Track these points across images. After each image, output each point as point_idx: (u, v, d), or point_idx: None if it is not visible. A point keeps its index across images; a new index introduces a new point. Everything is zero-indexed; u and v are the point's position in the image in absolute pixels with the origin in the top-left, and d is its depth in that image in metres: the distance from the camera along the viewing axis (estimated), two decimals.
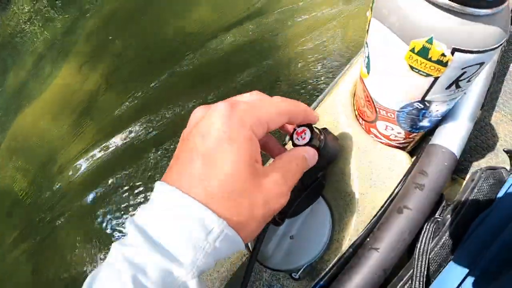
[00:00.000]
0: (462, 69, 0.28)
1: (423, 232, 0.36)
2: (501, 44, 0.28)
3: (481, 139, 0.55)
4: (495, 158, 0.54)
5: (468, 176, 0.45)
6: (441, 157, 0.35)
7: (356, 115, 0.42)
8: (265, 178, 0.27)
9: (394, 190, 0.37)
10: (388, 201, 0.36)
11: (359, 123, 0.42)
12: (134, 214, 0.27)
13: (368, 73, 0.34)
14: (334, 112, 0.42)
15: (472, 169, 0.52)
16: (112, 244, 0.26)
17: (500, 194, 0.39)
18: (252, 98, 0.30)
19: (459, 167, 0.51)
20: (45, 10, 2.18)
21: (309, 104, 0.45)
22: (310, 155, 0.32)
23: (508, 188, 0.39)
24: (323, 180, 0.37)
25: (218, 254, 0.25)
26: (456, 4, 0.25)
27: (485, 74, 0.42)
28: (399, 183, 0.37)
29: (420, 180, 0.34)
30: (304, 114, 0.32)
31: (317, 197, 0.37)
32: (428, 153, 0.36)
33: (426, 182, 0.34)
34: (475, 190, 0.38)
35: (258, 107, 0.28)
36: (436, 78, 0.29)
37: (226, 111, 0.27)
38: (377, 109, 0.36)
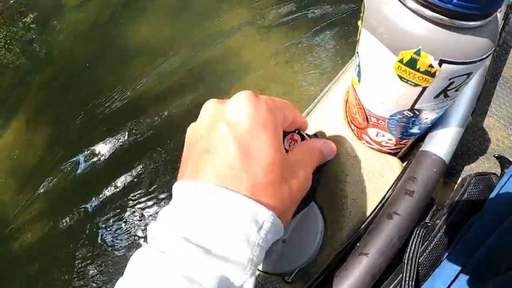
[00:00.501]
0: (450, 79, 0.29)
1: (412, 236, 0.36)
2: (488, 55, 0.28)
3: (473, 143, 0.56)
4: (487, 163, 0.54)
5: (458, 181, 0.46)
6: (431, 164, 0.36)
7: (348, 121, 0.43)
8: (295, 163, 0.28)
9: (385, 195, 0.38)
10: (379, 206, 0.37)
11: (351, 129, 0.42)
12: (155, 219, 0.25)
13: (359, 81, 0.34)
14: (326, 118, 0.43)
15: (464, 174, 0.53)
16: (138, 253, 0.23)
17: (490, 198, 0.40)
18: None
19: (451, 171, 0.52)
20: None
21: (302, 110, 0.46)
22: (328, 149, 0.33)
23: (497, 192, 0.40)
24: (315, 185, 0.38)
25: (267, 246, 0.25)
26: (444, 17, 0.25)
27: (476, 80, 0.42)
28: (390, 188, 0.38)
29: (409, 186, 0.35)
30: (295, 111, 0.32)
31: (310, 202, 0.38)
32: (418, 159, 0.37)
33: (415, 188, 0.35)
34: (465, 196, 0.39)
35: (276, 100, 0.28)
36: (424, 88, 0.29)
37: (253, 98, 0.26)
38: (368, 116, 0.36)
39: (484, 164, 0.55)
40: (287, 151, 0.34)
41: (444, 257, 0.37)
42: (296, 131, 0.34)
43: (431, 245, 0.37)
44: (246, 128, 0.25)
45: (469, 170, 0.54)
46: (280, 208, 0.25)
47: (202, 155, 0.25)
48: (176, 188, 0.26)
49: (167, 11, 1.96)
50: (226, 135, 0.25)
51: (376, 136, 0.38)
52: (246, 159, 0.24)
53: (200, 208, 0.23)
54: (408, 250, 0.36)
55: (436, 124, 0.39)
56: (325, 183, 0.40)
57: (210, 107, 0.28)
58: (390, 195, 0.37)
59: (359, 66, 0.33)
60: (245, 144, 0.24)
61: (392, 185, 0.38)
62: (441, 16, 0.25)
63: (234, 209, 0.23)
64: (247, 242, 0.23)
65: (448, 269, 0.36)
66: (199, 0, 1.96)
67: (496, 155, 0.47)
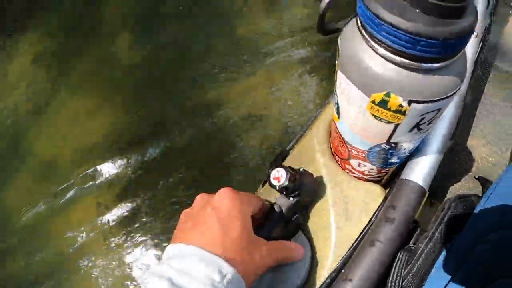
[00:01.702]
0: (421, 115, 0.31)
1: (395, 261, 0.38)
2: (457, 90, 0.30)
3: (458, 163, 0.57)
4: (472, 182, 0.56)
5: (441, 205, 0.48)
6: (410, 192, 0.38)
7: (332, 152, 0.45)
8: (263, 245, 0.36)
9: (368, 223, 0.39)
10: (362, 234, 0.39)
11: (335, 159, 0.44)
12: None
13: (338, 117, 0.36)
14: (311, 150, 0.45)
15: (450, 194, 0.55)
16: None
17: (471, 218, 0.42)
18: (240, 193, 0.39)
19: (437, 192, 0.53)
20: None
21: (288, 144, 0.48)
22: (299, 253, 0.39)
23: (477, 212, 0.41)
24: (302, 217, 0.40)
25: None
26: (411, 62, 0.27)
27: (453, 106, 0.44)
28: (373, 216, 0.40)
29: (390, 214, 0.37)
30: (260, 203, 0.39)
31: (296, 233, 0.39)
32: (398, 188, 0.38)
33: (396, 216, 0.37)
34: (445, 219, 0.41)
35: (248, 195, 0.38)
36: (397, 124, 0.31)
37: (233, 194, 0.36)
38: (349, 149, 0.38)
39: (469, 183, 0.56)
40: (271, 184, 0.36)
41: (427, 280, 0.39)
42: (282, 167, 0.36)
43: (414, 269, 0.39)
44: (225, 212, 0.35)
45: (455, 190, 0.56)
46: (242, 271, 0.33)
47: (191, 228, 0.35)
48: (169, 248, 0.35)
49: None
50: (211, 215, 0.35)
51: (358, 166, 0.40)
52: (223, 233, 0.34)
53: (183, 261, 0.32)
54: (391, 275, 0.37)
55: (415, 151, 0.40)
56: (312, 214, 0.42)
57: (201, 197, 0.39)
58: (372, 224, 0.38)
59: (337, 104, 0.35)
60: (224, 223, 0.34)
61: (375, 212, 0.40)
62: (408, 61, 0.27)
63: (206, 262, 0.31)
64: (212, 286, 0.30)
65: None
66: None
67: (477, 177, 0.48)
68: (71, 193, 1.61)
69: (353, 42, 0.30)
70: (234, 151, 1.48)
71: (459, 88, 0.31)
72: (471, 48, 0.52)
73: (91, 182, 1.62)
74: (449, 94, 0.30)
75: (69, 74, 1.94)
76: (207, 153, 1.48)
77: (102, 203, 1.55)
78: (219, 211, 0.35)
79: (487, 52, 0.68)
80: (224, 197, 0.36)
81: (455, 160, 0.57)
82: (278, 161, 0.46)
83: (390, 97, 0.29)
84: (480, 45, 0.58)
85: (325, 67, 1.60)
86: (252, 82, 1.62)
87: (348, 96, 0.32)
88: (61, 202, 1.57)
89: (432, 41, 0.25)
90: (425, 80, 0.28)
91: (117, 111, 1.76)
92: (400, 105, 0.29)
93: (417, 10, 0.25)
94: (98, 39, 2.02)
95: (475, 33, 0.53)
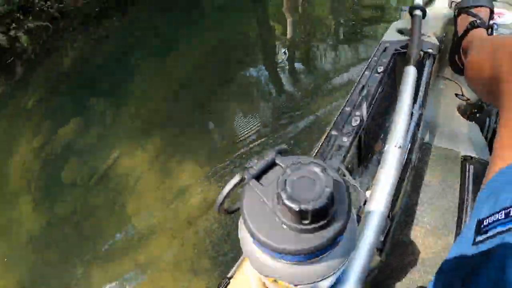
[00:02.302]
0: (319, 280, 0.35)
1: None
2: (344, 263, 0.34)
3: (404, 256, 0.61)
4: (418, 273, 0.59)
5: None
6: None
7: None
8: None
9: None
10: None
11: None
12: None
13: None
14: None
15: None
16: None
17: None
18: None
19: None
20: None
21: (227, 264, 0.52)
22: None
23: None
24: None
25: None
26: (298, 257, 0.31)
27: (374, 231, 0.48)
28: None
29: None
30: None
31: None
32: None
33: None
34: None
35: None
36: None
37: None
38: None
39: (415, 275, 0.59)
40: None
41: None
42: None
43: None
44: None
45: (402, 286, 0.58)
46: None
47: None
48: None
49: None
50: None
51: None
52: None
53: None
54: None
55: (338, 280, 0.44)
56: None
57: None
58: None
59: None
60: None
61: None
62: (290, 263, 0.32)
63: None
64: None
65: None
66: None
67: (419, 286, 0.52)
68: None
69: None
70: None
71: (346, 261, 0.35)
72: (398, 156, 0.55)
73: None
74: (335, 271, 0.34)
75: None
76: None
77: None
78: None
79: (424, 133, 0.72)
80: None
81: (400, 253, 0.61)
82: None
83: (278, 282, 0.33)
84: (407, 151, 0.61)
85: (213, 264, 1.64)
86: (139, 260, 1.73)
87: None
88: None
89: (301, 254, 0.30)
90: (308, 269, 0.32)
91: None
92: (289, 286, 0.34)
93: (285, 227, 0.30)
94: (2, 200, 2.14)
95: (398, 145, 0.56)
